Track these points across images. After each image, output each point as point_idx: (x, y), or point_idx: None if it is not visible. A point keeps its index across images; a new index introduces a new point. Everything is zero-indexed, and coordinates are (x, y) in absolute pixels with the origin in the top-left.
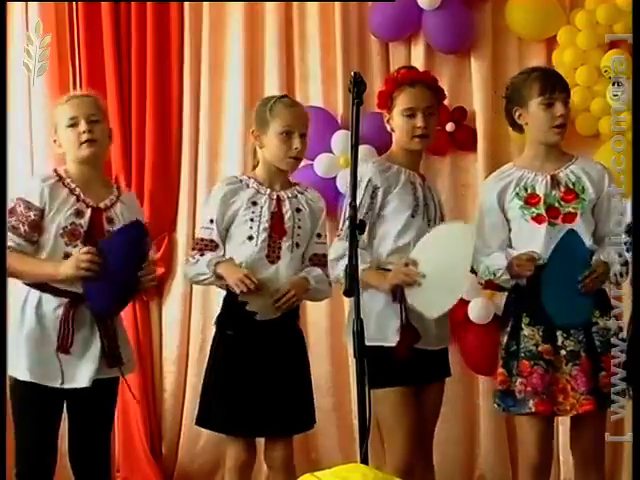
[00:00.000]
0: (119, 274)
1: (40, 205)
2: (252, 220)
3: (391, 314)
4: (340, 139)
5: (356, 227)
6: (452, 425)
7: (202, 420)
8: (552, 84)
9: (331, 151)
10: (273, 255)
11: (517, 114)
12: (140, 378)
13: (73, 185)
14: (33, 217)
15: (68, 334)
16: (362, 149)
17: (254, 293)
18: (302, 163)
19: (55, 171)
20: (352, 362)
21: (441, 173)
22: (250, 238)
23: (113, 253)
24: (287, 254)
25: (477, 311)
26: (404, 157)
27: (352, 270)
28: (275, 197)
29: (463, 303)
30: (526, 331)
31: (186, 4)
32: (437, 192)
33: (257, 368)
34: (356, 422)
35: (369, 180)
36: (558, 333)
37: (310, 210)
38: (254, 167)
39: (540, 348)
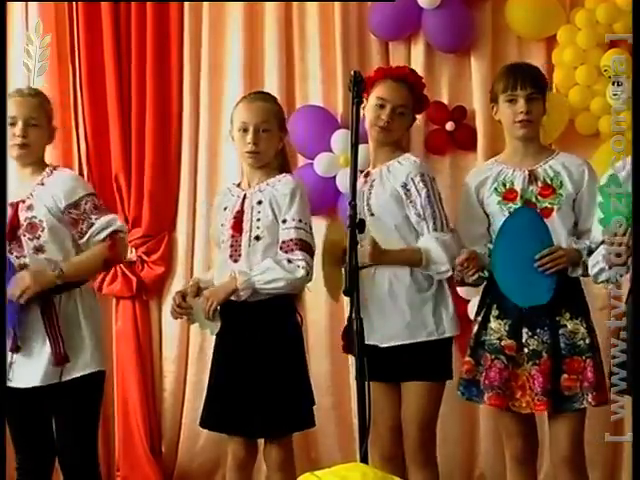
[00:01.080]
0: None
1: None
2: (222, 225)
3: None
4: (340, 138)
5: (356, 226)
6: (452, 424)
7: (203, 421)
8: (514, 80)
9: (331, 150)
10: (235, 254)
11: (494, 110)
12: (140, 377)
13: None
14: None
15: (17, 333)
16: (362, 148)
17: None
18: (302, 162)
19: None
20: (352, 361)
21: (441, 172)
22: (223, 242)
23: None
24: (245, 249)
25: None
26: (372, 152)
27: (352, 269)
28: (242, 196)
29: (463, 302)
30: (493, 324)
31: (186, 4)
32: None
33: (250, 368)
34: (356, 421)
35: None
36: (524, 331)
37: (272, 198)
38: None
39: (503, 343)
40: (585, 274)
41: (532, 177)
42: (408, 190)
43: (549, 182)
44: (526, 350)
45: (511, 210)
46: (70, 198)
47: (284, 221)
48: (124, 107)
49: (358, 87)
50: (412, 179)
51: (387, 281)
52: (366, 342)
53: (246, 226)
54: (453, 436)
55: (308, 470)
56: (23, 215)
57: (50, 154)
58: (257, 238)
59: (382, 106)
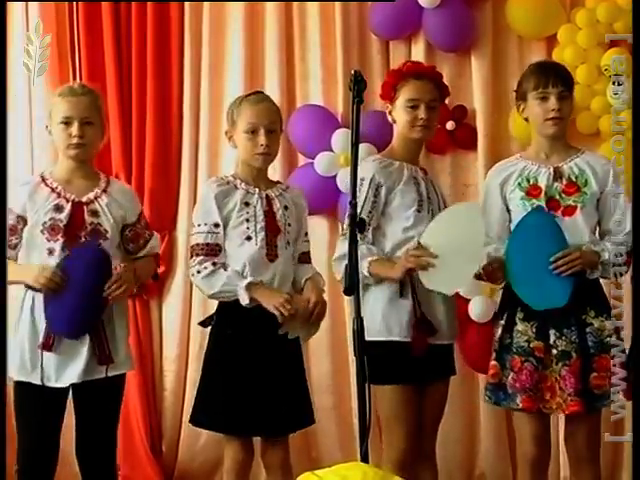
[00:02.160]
0: (77, 298)
1: (19, 211)
2: (248, 220)
3: (398, 308)
4: (340, 137)
5: (356, 225)
6: (452, 423)
7: (197, 419)
8: (546, 78)
9: (331, 149)
10: (272, 253)
11: (520, 108)
12: (140, 376)
13: (55, 184)
14: (11, 222)
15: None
16: (362, 147)
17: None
18: (302, 161)
19: (40, 175)
20: (352, 360)
21: (441, 172)
22: (249, 238)
23: (72, 277)
24: (283, 251)
25: (477, 309)
26: (405, 151)
27: (352, 269)
28: (264, 196)
29: (463, 301)
30: (520, 326)
31: (186, 4)
32: (439, 186)
33: (255, 367)
34: (356, 421)
35: (372, 178)
36: (551, 332)
37: (296, 208)
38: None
39: (532, 345)
40: (604, 276)
41: (557, 174)
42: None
43: (574, 180)
44: (554, 351)
45: (534, 206)
46: (136, 214)
47: (305, 233)
48: (124, 106)
49: (359, 86)
50: None
51: None
52: (433, 342)
53: (282, 229)
54: (454, 435)
55: (309, 470)
56: (88, 219)
57: (50, 153)
58: (288, 243)
59: (415, 107)
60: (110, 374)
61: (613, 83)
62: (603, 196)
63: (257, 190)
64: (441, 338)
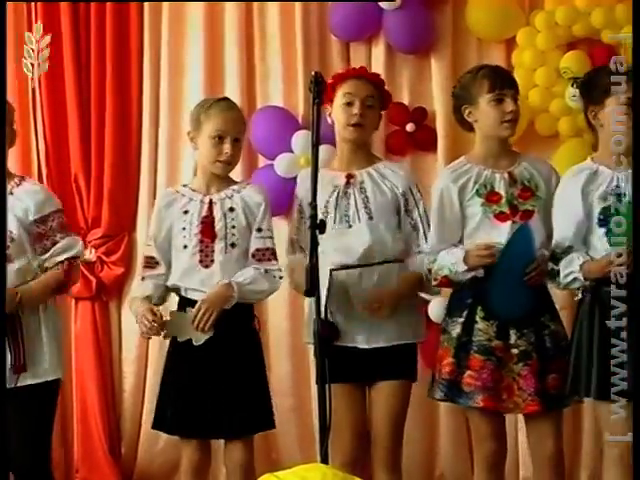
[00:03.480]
0: None
1: None
2: (184, 229)
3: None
4: (301, 139)
5: (316, 227)
6: (412, 424)
7: (154, 422)
8: (500, 81)
9: (291, 151)
10: (207, 259)
11: (467, 112)
12: (99, 378)
13: None
14: None
15: None
16: (323, 149)
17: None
18: (262, 162)
19: None
20: (313, 362)
21: None
22: (185, 247)
23: None
24: (220, 256)
25: (437, 311)
26: (339, 155)
27: (312, 270)
28: (207, 201)
29: (422, 303)
30: (480, 325)
31: (146, 4)
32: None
33: (208, 370)
34: (316, 422)
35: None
36: (512, 331)
37: (245, 206)
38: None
39: (493, 344)
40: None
41: (512, 179)
42: (406, 199)
43: (527, 184)
44: (515, 351)
45: (496, 212)
46: (42, 213)
47: (259, 230)
48: (83, 107)
49: (319, 88)
50: (411, 189)
51: (376, 282)
52: (345, 344)
53: (220, 232)
54: (413, 437)
55: (269, 471)
56: None
57: (9, 155)
58: (233, 245)
59: (350, 103)
60: (24, 383)
61: (572, 85)
62: (549, 199)
63: (201, 196)
64: (359, 342)
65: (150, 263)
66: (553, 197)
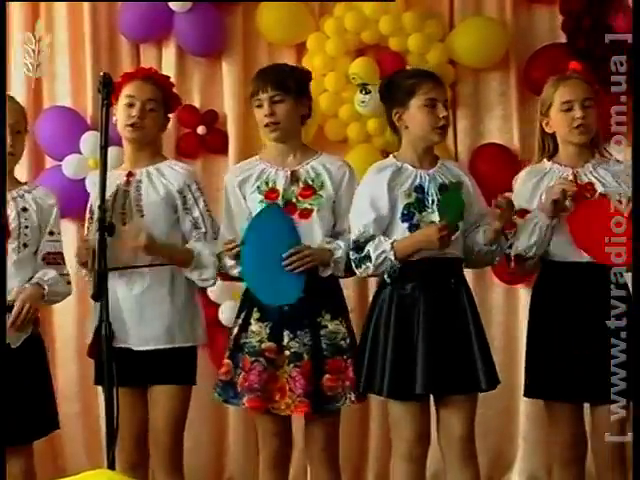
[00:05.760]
0: None
1: None
2: None
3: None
4: (89, 140)
5: (105, 229)
6: (201, 430)
7: None
8: (263, 83)
9: (80, 152)
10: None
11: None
12: None
13: None
14: None
15: None
16: (112, 150)
17: None
18: (49, 164)
19: None
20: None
21: None
22: None
23: None
24: (13, 255)
25: (228, 314)
26: (125, 153)
27: (100, 274)
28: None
29: (213, 306)
30: (254, 327)
31: None
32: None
33: None
34: (104, 427)
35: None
36: (285, 333)
37: (38, 208)
38: None
39: (264, 345)
40: (337, 273)
41: (294, 177)
42: (184, 197)
43: (310, 183)
44: (287, 352)
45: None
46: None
47: (51, 233)
48: None
49: (107, 89)
50: (189, 186)
51: (146, 284)
52: (118, 345)
53: (14, 232)
54: (202, 440)
55: (54, 478)
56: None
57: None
58: (25, 245)
59: (131, 104)
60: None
61: (360, 91)
62: (338, 198)
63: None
64: (132, 343)
65: None
66: (339, 195)
